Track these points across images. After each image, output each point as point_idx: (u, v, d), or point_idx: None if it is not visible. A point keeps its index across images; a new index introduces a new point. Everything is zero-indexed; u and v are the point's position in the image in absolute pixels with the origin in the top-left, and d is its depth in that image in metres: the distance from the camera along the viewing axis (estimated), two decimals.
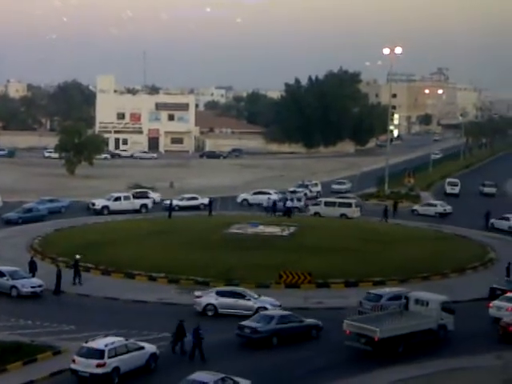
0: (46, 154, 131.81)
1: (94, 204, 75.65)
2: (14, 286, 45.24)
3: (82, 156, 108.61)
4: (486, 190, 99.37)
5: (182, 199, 79.60)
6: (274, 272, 48.34)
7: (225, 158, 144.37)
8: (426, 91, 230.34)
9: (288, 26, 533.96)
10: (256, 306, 41.58)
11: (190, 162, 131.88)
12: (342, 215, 73.58)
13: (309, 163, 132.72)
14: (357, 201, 79.10)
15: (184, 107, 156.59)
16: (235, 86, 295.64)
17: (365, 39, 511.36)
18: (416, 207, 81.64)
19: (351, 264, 52.03)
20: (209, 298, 42.54)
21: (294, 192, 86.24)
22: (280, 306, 41.98)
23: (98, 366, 31.68)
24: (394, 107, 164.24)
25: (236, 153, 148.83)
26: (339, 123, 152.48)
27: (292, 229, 62.32)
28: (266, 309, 41.02)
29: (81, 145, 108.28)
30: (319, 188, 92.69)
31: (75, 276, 47.97)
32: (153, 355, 33.95)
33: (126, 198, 77.08)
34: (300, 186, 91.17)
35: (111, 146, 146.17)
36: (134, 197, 77.84)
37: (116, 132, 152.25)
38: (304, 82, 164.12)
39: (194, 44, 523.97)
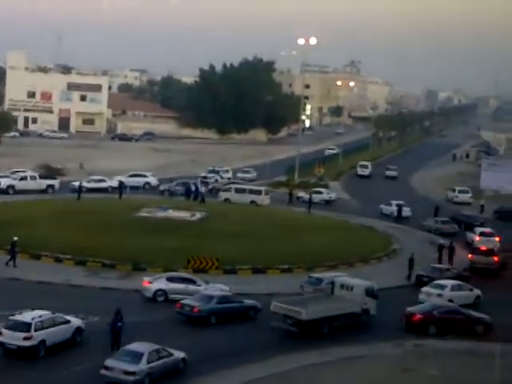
0: None
1: None
2: None
3: None
4: (388, 173, 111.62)
5: (89, 181, 78.90)
6: (182, 257, 48.47)
7: (137, 140, 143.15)
8: (338, 83, 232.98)
9: (205, 11, 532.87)
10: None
11: (101, 144, 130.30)
12: (252, 202, 74.17)
13: (221, 149, 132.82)
14: (266, 188, 79.78)
15: (97, 88, 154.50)
16: (150, 70, 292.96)
17: (281, 29, 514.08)
18: (301, 194, 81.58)
19: (259, 251, 52.49)
20: (159, 283, 42.36)
21: (204, 177, 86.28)
22: (229, 291, 41.99)
23: (25, 338, 32.12)
24: (306, 97, 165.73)
25: (148, 136, 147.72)
26: (252, 111, 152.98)
27: (202, 214, 62.45)
28: None
29: None
30: (230, 174, 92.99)
31: (13, 258, 47.15)
32: (78, 329, 34.50)
33: (33, 177, 76.02)
34: (211, 171, 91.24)
35: (20, 125, 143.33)
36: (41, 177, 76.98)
37: (26, 110, 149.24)
38: (219, 68, 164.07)
39: (108, 25, 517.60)
